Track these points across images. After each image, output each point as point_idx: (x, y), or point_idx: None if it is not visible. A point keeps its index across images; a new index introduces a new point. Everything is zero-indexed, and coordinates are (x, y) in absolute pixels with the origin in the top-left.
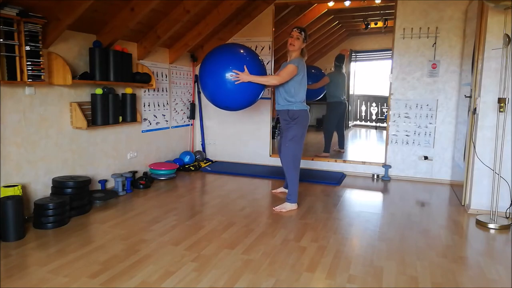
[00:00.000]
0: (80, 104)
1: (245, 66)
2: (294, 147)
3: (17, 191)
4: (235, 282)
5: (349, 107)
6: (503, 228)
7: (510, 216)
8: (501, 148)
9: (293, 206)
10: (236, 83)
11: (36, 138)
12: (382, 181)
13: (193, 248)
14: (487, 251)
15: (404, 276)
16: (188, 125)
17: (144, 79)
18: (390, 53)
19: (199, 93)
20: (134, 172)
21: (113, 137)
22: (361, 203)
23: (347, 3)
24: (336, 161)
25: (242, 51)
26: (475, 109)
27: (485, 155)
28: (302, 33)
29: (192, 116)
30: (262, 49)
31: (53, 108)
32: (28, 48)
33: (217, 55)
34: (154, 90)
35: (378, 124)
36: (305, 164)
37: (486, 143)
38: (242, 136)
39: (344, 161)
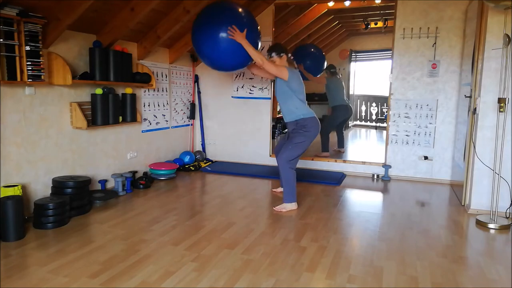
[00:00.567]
0: (80, 104)
1: (245, 29)
2: (296, 151)
3: (17, 191)
4: (235, 282)
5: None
6: (503, 228)
7: (510, 216)
8: (501, 148)
9: (293, 206)
10: (229, 37)
11: (36, 138)
12: (382, 181)
13: (193, 248)
14: (487, 251)
15: (404, 276)
16: (188, 125)
17: (144, 79)
18: (390, 53)
19: (199, 93)
20: (134, 172)
21: (113, 137)
22: (361, 203)
23: (347, 3)
24: (336, 161)
25: (252, 21)
26: (475, 109)
27: (485, 155)
28: (273, 53)
29: (192, 116)
30: (262, 49)
31: (53, 108)
32: (28, 48)
33: (232, 7)
34: (154, 90)
35: (378, 124)
36: (305, 164)
37: (486, 143)
38: (242, 136)
39: (344, 161)
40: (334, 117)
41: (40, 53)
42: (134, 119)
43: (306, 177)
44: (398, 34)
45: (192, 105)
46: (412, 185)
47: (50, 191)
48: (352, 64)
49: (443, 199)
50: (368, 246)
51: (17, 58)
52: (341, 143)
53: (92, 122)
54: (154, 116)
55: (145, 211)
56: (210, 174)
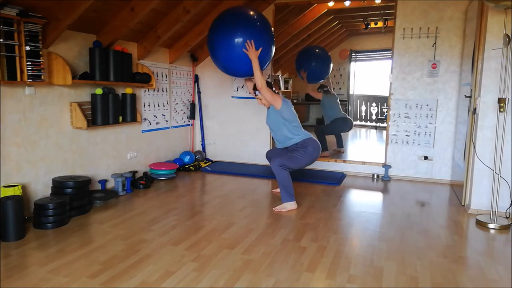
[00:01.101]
0: (80, 104)
1: (261, 48)
2: (291, 163)
3: (17, 191)
4: (235, 282)
5: (349, 107)
6: (503, 228)
7: (510, 216)
8: (501, 148)
9: (293, 205)
10: (243, 50)
11: (36, 138)
12: (382, 181)
13: (193, 248)
14: (487, 251)
15: (404, 276)
16: (188, 125)
17: (144, 79)
18: (390, 53)
19: (199, 93)
20: (134, 172)
21: (113, 137)
22: (361, 203)
23: (347, 3)
24: (336, 161)
25: (271, 42)
26: (475, 109)
27: (485, 155)
28: (257, 92)
29: (192, 116)
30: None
31: (53, 108)
32: (28, 48)
33: (261, 19)
34: (154, 90)
35: (378, 124)
36: None
37: (486, 143)
38: (242, 136)
39: (344, 161)
40: (332, 127)
41: (40, 53)
42: (134, 119)
43: (306, 177)
44: (398, 34)
45: (192, 105)
46: (412, 185)
47: (50, 191)
48: (352, 64)
49: (443, 199)
50: (368, 246)
51: (17, 58)
52: (339, 142)
53: (92, 122)
54: (154, 116)
55: (145, 211)
56: (210, 174)
